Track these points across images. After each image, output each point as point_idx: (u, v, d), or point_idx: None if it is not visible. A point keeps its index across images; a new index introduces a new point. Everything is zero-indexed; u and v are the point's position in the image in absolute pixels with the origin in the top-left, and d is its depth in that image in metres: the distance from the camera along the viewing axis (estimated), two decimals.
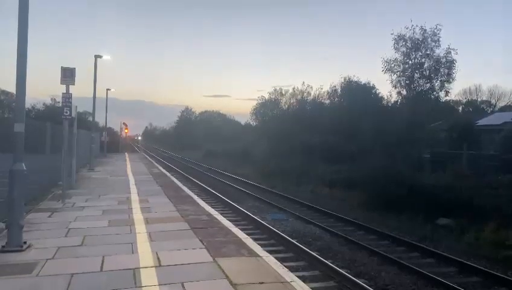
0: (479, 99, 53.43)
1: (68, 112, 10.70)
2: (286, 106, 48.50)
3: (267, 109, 51.18)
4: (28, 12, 6.24)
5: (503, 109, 45.38)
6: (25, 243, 6.14)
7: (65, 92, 10.60)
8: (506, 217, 11.76)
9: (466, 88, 53.88)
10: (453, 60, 29.23)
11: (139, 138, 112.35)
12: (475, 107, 50.32)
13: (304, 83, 51.60)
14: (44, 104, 52.81)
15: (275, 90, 51.08)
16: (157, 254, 5.94)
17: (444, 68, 29.42)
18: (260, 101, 53.14)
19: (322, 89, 44.11)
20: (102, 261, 5.54)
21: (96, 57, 23.14)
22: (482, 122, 30.18)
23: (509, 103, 50.81)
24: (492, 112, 42.31)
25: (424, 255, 9.65)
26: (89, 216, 8.89)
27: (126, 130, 53.54)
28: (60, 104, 10.89)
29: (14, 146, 6.18)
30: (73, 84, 10.55)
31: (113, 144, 47.56)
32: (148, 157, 40.29)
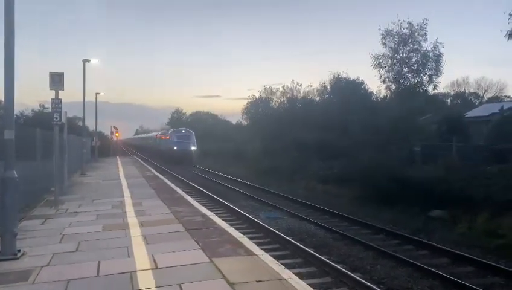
0: (466, 92, 54.06)
1: (58, 118, 10.64)
2: (277, 105, 48.71)
3: (258, 107, 51.29)
4: (14, 16, 6.18)
5: (491, 100, 45.98)
6: (19, 251, 6.09)
7: (54, 97, 10.55)
8: (497, 206, 11.91)
9: (454, 80, 54.55)
10: (440, 53, 29.55)
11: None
12: (463, 99, 50.84)
13: (293, 81, 51.89)
14: (32, 110, 52.11)
15: (265, 89, 51.30)
16: (153, 256, 5.94)
17: (432, 62, 29.73)
18: (251, 100, 53.28)
19: (311, 86, 44.54)
20: (98, 266, 5.52)
21: (84, 61, 22.92)
22: (471, 114, 30.53)
23: (496, 94, 51.48)
24: (480, 104, 42.84)
25: (418, 247, 9.76)
26: (83, 221, 8.84)
27: (117, 134, 53.15)
28: (50, 110, 10.82)
29: (4, 153, 6.12)
30: (63, 90, 10.51)
31: (104, 148, 47.30)
32: (140, 160, 40.06)
